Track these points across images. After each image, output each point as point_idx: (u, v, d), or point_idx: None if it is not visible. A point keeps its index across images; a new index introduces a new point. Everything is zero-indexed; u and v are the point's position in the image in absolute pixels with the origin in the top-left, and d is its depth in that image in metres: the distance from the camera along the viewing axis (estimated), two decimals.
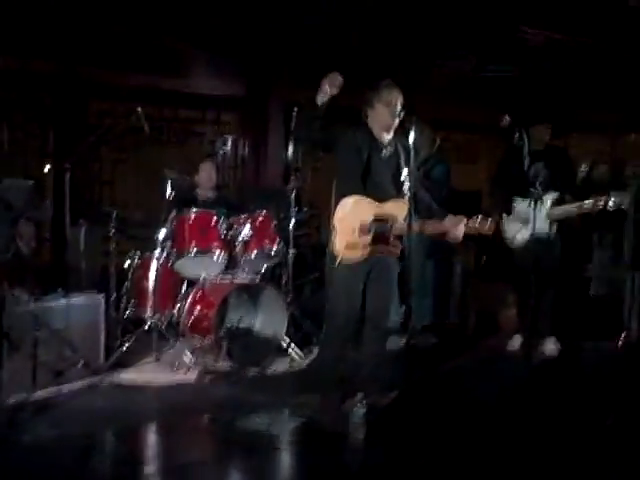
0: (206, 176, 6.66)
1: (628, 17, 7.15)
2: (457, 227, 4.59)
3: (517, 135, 4.65)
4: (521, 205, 6.25)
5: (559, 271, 6.49)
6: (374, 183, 4.64)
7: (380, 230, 4.61)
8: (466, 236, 4.66)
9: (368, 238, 4.59)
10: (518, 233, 6.26)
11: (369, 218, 4.60)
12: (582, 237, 7.85)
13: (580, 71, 9.42)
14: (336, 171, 4.77)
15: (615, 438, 4.29)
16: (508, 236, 6.39)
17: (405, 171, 4.58)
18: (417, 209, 4.76)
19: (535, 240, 5.26)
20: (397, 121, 4.62)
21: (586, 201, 6.02)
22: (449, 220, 4.63)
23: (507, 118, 4.68)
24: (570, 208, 6.23)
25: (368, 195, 4.62)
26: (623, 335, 6.26)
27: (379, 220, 4.61)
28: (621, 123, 9.59)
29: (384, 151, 4.70)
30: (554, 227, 6.13)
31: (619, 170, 8.04)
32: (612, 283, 7.59)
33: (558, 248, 6.35)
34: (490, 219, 4.65)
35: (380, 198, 4.63)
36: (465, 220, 4.59)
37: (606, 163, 8.57)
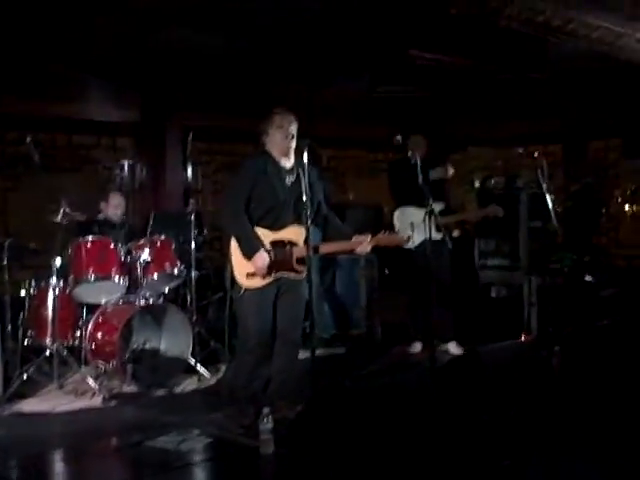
0: (113, 209, 6.58)
1: (503, 38, 7.46)
2: (363, 245, 4.72)
3: (410, 152, 4.76)
4: (412, 213, 6.42)
5: (450, 277, 6.68)
6: (275, 210, 4.69)
7: (279, 256, 4.65)
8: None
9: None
10: (409, 237, 6.42)
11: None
12: (473, 245, 8.11)
13: (468, 90, 9.78)
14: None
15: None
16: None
17: (305, 197, 4.56)
18: (325, 231, 4.91)
19: (428, 247, 5.37)
20: (293, 144, 4.70)
21: (465, 214, 6.90)
22: (355, 239, 4.74)
23: (398, 137, 4.81)
24: (455, 217, 6.73)
25: (266, 224, 4.67)
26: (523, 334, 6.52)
27: (276, 246, 4.65)
28: (512, 138, 9.96)
29: (287, 178, 4.75)
30: (439, 236, 6.32)
31: (511, 182, 8.32)
32: (511, 287, 7.85)
33: (448, 255, 6.53)
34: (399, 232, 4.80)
35: (279, 225, 4.69)
36: (369, 238, 4.71)
37: (501, 175, 8.86)
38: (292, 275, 4.71)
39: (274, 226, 4.68)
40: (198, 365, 5.94)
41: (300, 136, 4.63)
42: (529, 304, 7.17)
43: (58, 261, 5.85)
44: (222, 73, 8.27)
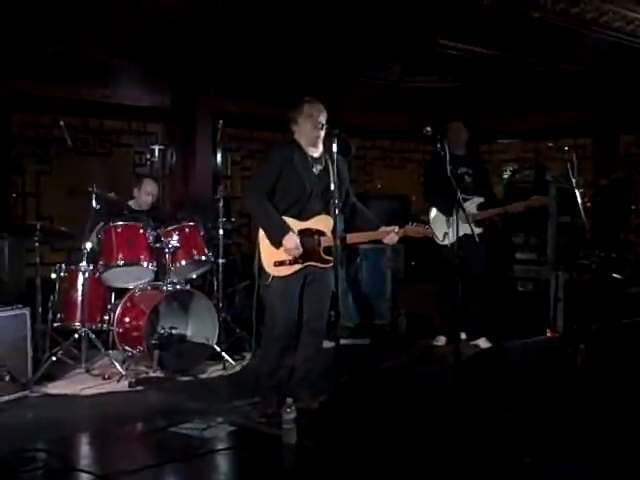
0: (146, 196, 6.59)
1: (533, 29, 7.40)
2: (390, 235, 4.73)
3: (439, 145, 4.76)
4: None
5: (486, 273, 6.68)
6: (302, 200, 4.69)
7: (307, 245, 4.65)
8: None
9: None
10: (446, 234, 6.45)
11: None
12: (506, 240, 8.08)
13: (500, 81, 9.71)
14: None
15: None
16: (438, 235, 6.54)
17: (333, 186, 4.49)
18: (353, 220, 4.91)
19: (461, 243, 5.37)
20: (322, 134, 4.68)
21: (508, 206, 6.64)
22: (382, 230, 4.76)
23: (428, 129, 4.81)
24: (498, 210, 6.64)
25: (293, 213, 4.67)
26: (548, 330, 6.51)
27: (304, 235, 4.65)
28: (542, 130, 9.88)
29: (315, 168, 4.74)
30: (478, 230, 6.31)
31: (540, 175, 8.28)
32: (537, 282, 7.81)
33: (484, 251, 6.54)
34: (426, 225, 4.88)
35: (306, 215, 4.69)
36: (397, 229, 4.73)
37: (530, 168, 8.81)
38: (319, 265, 4.70)
39: (301, 215, 4.68)
40: (223, 352, 5.99)
41: (330, 125, 4.59)
42: (555, 300, 7.13)
43: (89, 245, 5.93)
44: (253, 61, 8.27)
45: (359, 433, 4.10)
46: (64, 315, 5.93)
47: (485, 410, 4.63)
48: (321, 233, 4.68)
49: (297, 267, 4.66)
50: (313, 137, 4.71)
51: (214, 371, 5.89)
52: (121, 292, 6.07)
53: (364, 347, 6.83)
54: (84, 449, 4.51)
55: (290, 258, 4.62)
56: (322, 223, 4.68)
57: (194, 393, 5.32)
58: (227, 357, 5.99)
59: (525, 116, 10.14)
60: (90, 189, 5.90)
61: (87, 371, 5.70)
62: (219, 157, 7.76)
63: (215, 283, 6.45)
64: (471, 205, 6.50)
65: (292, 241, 4.56)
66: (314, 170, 4.72)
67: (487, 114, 10.12)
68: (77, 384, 5.44)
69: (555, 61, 8.32)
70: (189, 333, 6.08)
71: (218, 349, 5.97)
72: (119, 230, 5.97)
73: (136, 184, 6.64)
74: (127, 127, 8.23)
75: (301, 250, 4.59)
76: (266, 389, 4.84)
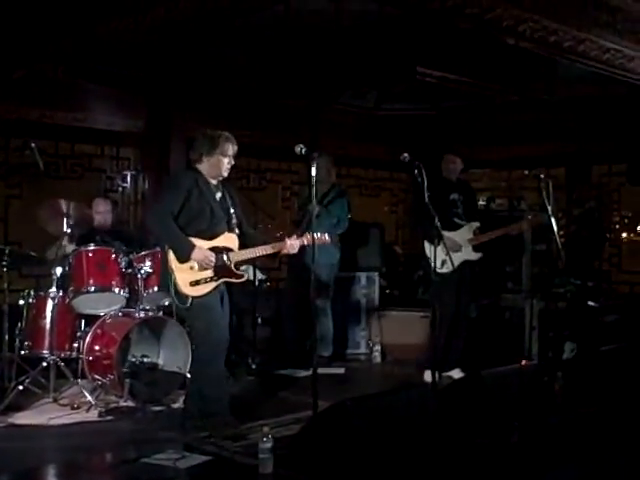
0: (99, 216, 6.54)
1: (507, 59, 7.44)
2: (292, 245, 4.98)
3: (416, 171, 4.72)
4: (446, 235, 6.38)
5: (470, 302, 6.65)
6: (208, 221, 4.86)
7: (219, 262, 4.82)
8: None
9: (209, 272, 4.80)
10: (444, 261, 6.39)
11: None
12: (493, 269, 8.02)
13: (474, 110, 9.76)
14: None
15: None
16: (437, 265, 6.49)
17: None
18: (244, 240, 5.09)
19: (433, 273, 5.32)
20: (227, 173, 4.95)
21: (508, 227, 6.49)
22: (280, 243, 5.01)
23: (406, 155, 4.79)
24: (496, 233, 6.48)
25: (202, 235, 4.83)
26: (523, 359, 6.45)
27: (214, 253, 4.82)
28: (515, 160, 9.93)
29: (216, 195, 4.95)
30: (478, 255, 6.26)
31: (515, 204, 8.29)
32: (512, 310, 7.77)
33: (470, 280, 6.48)
34: (320, 234, 4.97)
35: (213, 235, 4.87)
36: (295, 237, 5.02)
37: (503, 198, 8.83)
38: (234, 280, 4.94)
39: (208, 236, 4.86)
40: None
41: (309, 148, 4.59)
42: (530, 328, 7.11)
43: (59, 270, 5.80)
44: (228, 86, 8.25)
45: (337, 461, 4.01)
46: (32, 343, 5.77)
47: (464, 438, 4.57)
48: (229, 249, 4.91)
49: (214, 284, 4.83)
50: (219, 175, 4.96)
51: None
52: (91, 319, 5.92)
53: (339, 376, 6.74)
54: None
55: (204, 277, 4.77)
56: (228, 241, 4.94)
57: (166, 423, 5.18)
58: None
59: (498, 146, 10.19)
60: (63, 210, 5.79)
61: (55, 400, 5.52)
62: None
63: None
64: (469, 229, 6.44)
65: (200, 252, 4.75)
66: (216, 197, 4.95)
67: (461, 143, 10.15)
68: (45, 414, 5.27)
69: (528, 91, 8.39)
70: (161, 361, 5.96)
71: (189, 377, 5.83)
72: (90, 255, 5.87)
73: (89, 206, 6.54)
74: (99, 152, 8.15)
75: (213, 259, 4.77)
76: (221, 411, 4.90)
